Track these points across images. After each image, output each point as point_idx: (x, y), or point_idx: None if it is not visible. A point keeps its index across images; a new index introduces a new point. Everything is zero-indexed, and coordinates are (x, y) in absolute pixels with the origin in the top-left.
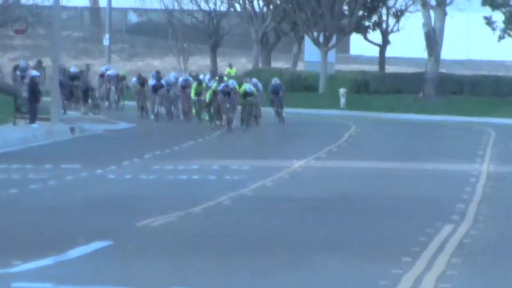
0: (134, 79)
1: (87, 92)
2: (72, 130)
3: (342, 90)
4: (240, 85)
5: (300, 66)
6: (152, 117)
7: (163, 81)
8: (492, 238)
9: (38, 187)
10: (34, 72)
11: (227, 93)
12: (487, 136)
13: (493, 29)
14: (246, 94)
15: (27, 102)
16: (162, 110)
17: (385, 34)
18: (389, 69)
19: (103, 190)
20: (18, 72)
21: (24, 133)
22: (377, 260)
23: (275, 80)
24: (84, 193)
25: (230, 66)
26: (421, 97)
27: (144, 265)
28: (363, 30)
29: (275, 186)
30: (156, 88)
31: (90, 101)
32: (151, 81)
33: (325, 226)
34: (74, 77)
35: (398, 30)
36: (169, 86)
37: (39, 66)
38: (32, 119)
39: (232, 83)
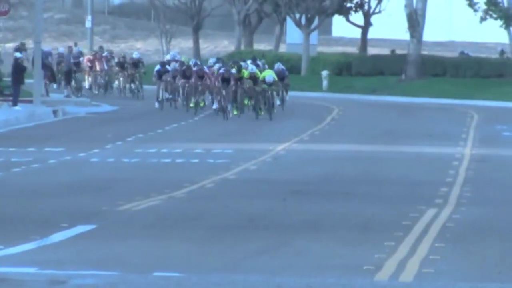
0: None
1: (69, 74)
2: (54, 112)
3: (324, 73)
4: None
5: (282, 48)
6: (156, 105)
7: (168, 67)
8: (475, 221)
9: (21, 170)
10: (17, 54)
11: (227, 79)
12: (470, 118)
13: (475, 10)
14: (264, 82)
15: (11, 84)
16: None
17: (367, 15)
18: (371, 50)
19: (86, 173)
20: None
21: (6, 115)
22: (360, 244)
23: (278, 65)
24: (67, 177)
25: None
26: (403, 79)
27: (128, 249)
28: (345, 12)
29: (258, 169)
30: (161, 74)
31: (73, 82)
32: (157, 66)
33: (308, 210)
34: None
35: (380, 11)
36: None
37: (22, 47)
38: (15, 102)
39: (252, 68)
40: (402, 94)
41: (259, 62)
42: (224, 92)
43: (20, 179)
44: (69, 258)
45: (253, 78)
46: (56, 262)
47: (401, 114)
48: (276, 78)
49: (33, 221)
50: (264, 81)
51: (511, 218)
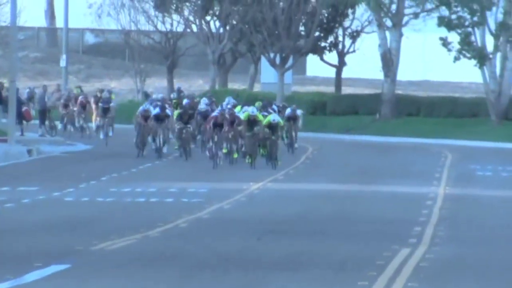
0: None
1: (44, 113)
2: (29, 151)
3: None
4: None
5: (257, 88)
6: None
7: (169, 111)
8: (448, 261)
9: None
10: None
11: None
12: (444, 157)
13: (449, 50)
14: (270, 126)
15: None
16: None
17: (341, 55)
18: (345, 90)
19: (61, 212)
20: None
21: None
22: (334, 284)
23: (292, 107)
24: (41, 216)
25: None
26: (378, 118)
27: None
28: (319, 51)
29: (232, 208)
30: (160, 118)
31: (47, 122)
32: (155, 110)
33: (283, 249)
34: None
35: (354, 51)
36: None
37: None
38: None
39: (252, 110)
40: (377, 134)
41: (274, 107)
42: (216, 138)
43: None
44: None
45: (253, 121)
46: None
47: (376, 153)
48: (280, 121)
49: (6, 260)
50: (270, 124)
51: (485, 258)
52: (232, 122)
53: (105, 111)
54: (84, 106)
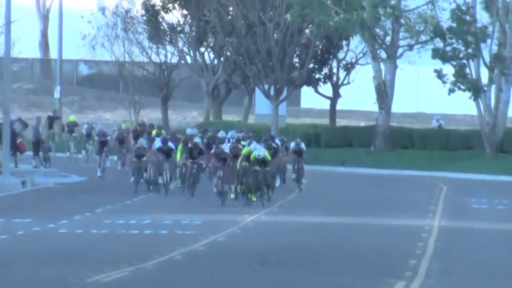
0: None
1: (38, 144)
2: (23, 183)
3: (303, 145)
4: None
5: (251, 119)
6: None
7: (171, 144)
8: None
9: None
10: None
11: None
12: (439, 190)
13: (444, 82)
14: (257, 161)
15: None
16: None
17: (335, 87)
18: (340, 122)
19: (55, 244)
20: None
21: None
22: None
23: (296, 141)
24: (36, 247)
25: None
26: (372, 151)
27: None
28: (313, 83)
29: (227, 240)
30: (164, 152)
31: (41, 153)
32: (156, 142)
33: (277, 280)
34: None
35: (348, 83)
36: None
37: None
38: None
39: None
40: (371, 166)
41: (278, 141)
42: (221, 173)
43: None
44: None
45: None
46: None
47: (370, 185)
48: (266, 154)
49: None
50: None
51: None
52: (235, 157)
53: (102, 145)
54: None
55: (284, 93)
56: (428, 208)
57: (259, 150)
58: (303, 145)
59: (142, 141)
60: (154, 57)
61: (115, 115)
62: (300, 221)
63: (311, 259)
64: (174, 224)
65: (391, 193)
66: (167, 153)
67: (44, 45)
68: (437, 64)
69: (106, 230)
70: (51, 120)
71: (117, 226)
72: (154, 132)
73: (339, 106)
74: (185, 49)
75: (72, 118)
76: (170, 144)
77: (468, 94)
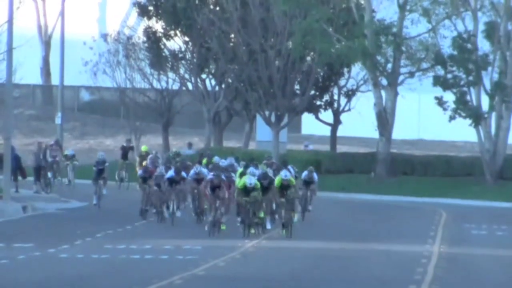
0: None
1: (39, 170)
2: (24, 208)
3: (315, 174)
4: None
5: (252, 146)
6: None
7: (185, 174)
8: None
9: None
10: None
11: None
12: (439, 216)
13: (444, 109)
14: (246, 189)
15: None
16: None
17: (336, 113)
18: (340, 148)
19: (56, 269)
20: None
21: None
22: None
23: (309, 169)
24: (36, 272)
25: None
26: (373, 177)
27: None
28: (314, 110)
29: (227, 266)
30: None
31: (42, 179)
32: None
33: None
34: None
35: (349, 109)
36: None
37: None
38: None
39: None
40: (372, 192)
41: (290, 168)
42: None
43: None
44: None
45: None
46: None
47: (371, 212)
48: (256, 183)
49: None
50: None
51: None
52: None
53: (99, 173)
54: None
55: (285, 120)
56: (428, 234)
57: (250, 179)
58: (315, 175)
59: (162, 170)
60: (156, 84)
61: (116, 141)
62: (300, 246)
63: (311, 286)
64: (175, 249)
65: (391, 219)
66: (179, 182)
67: (46, 71)
68: (438, 91)
69: (107, 255)
70: (125, 150)
71: (118, 251)
72: (204, 161)
73: (340, 132)
74: (187, 76)
75: (144, 148)
76: (183, 173)
77: (468, 121)
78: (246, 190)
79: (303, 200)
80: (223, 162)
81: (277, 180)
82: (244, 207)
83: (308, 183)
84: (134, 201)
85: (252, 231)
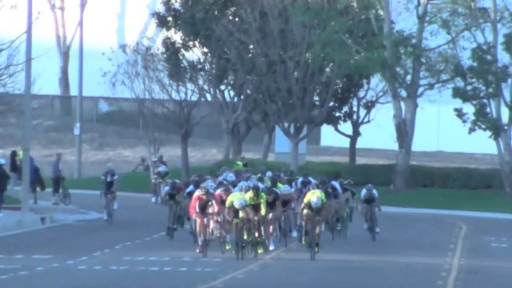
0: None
1: (57, 181)
2: (42, 220)
3: (375, 191)
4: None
5: (271, 157)
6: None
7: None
8: None
9: (9, 277)
10: (1, 160)
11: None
12: (458, 229)
13: (464, 121)
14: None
15: None
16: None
17: (355, 125)
18: (359, 160)
19: (74, 281)
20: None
21: None
22: None
23: (367, 187)
24: (54, 284)
25: (242, 158)
26: (392, 189)
27: None
28: (333, 121)
29: (246, 278)
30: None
31: (60, 190)
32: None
33: None
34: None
35: (368, 121)
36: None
37: (14, 155)
38: None
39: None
40: (391, 204)
41: (335, 183)
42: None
43: (7, 287)
44: None
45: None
46: None
47: (390, 224)
48: (245, 201)
49: None
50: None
51: None
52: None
53: (109, 186)
54: None
55: (304, 131)
56: (447, 247)
57: (238, 199)
58: (375, 192)
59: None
60: (174, 95)
61: (134, 152)
62: (319, 259)
63: None
64: (194, 261)
65: (411, 231)
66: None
67: (64, 82)
68: (458, 103)
69: (125, 267)
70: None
71: (137, 263)
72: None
73: (359, 144)
74: (205, 87)
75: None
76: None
77: (488, 133)
78: (236, 210)
79: (367, 220)
80: (230, 177)
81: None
82: (236, 227)
83: (369, 201)
84: (151, 213)
85: (260, 251)
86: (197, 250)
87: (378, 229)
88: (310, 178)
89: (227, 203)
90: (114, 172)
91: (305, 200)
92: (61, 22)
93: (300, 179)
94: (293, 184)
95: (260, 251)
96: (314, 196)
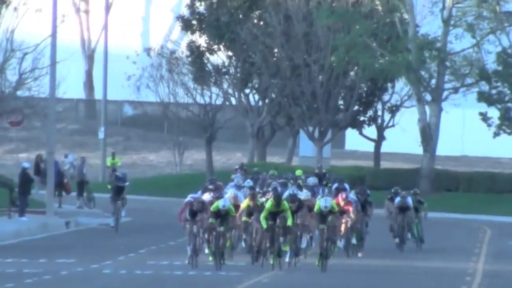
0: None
1: (82, 185)
2: (67, 223)
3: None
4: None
5: (295, 161)
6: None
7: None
8: None
9: (33, 281)
10: (25, 164)
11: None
12: (483, 233)
13: (489, 125)
14: (218, 214)
15: (18, 194)
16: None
17: (380, 129)
18: (384, 164)
19: (98, 285)
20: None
21: (18, 226)
22: None
23: (402, 194)
24: None
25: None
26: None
27: None
28: (358, 125)
29: (271, 282)
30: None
31: (85, 194)
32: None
33: None
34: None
35: (393, 125)
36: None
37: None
38: (21, 212)
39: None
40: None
41: (346, 186)
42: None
43: None
44: None
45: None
46: None
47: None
48: (230, 207)
49: None
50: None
51: None
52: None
53: (118, 192)
54: None
55: (329, 135)
56: (472, 251)
57: (222, 201)
58: (409, 200)
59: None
60: (199, 98)
61: (159, 155)
62: (344, 263)
63: None
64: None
65: (435, 235)
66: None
67: (89, 85)
68: (482, 107)
69: (150, 271)
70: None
71: (161, 267)
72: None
73: (383, 148)
74: (230, 91)
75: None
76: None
77: None
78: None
79: (400, 229)
80: (248, 182)
81: (316, 205)
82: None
83: (403, 209)
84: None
85: (271, 261)
86: (186, 261)
87: (422, 244)
88: (346, 185)
89: (212, 207)
90: (125, 178)
91: (316, 208)
92: (86, 26)
93: (335, 185)
94: (320, 190)
95: (271, 261)
96: (323, 199)
